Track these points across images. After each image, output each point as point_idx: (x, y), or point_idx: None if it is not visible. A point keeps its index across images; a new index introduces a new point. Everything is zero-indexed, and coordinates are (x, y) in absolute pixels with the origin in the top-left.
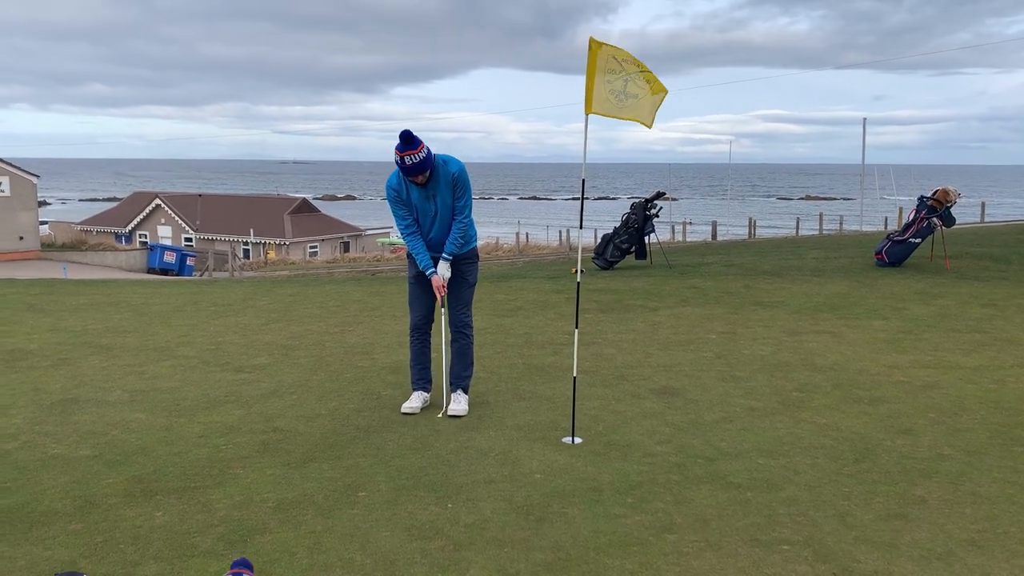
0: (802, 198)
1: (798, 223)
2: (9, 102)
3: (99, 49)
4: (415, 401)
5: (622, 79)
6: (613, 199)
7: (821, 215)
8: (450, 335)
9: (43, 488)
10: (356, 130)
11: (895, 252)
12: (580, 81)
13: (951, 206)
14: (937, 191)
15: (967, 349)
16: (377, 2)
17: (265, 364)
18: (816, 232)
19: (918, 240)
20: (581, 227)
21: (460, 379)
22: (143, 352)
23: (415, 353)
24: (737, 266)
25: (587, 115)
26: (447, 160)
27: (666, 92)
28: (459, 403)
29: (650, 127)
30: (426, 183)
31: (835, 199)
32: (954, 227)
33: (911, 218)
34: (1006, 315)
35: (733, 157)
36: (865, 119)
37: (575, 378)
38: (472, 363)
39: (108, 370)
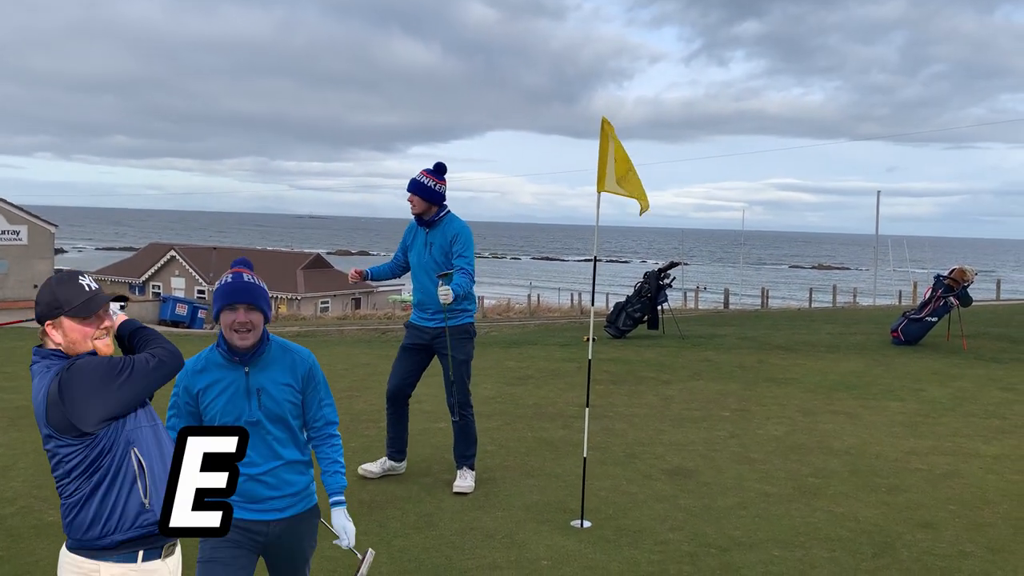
0: (814, 267)
1: (811, 294)
2: (33, 150)
3: (124, 102)
4: (374, 466)
5: (626, 167)
6: (625, 262)
7: (835, 287)
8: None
9: (35, 559)
10: (372, 187)
11: (911, 331)
12: (594, 145)
13: (968, 285)
14: (954, 270)
15: (987, 436)
16: (398, 63)
17: None
18: (829, 304)
19: (934, 319)
20: (593, 303)
21: (464, 458)
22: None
23: (389, 422)
24: (750, 339)
25: (599, 193)
26: (454, 219)
27: (647, 208)
28: (464, 480)
29: (646, 208)
30: (428, 227)
31: (847, 268)
32: (970, 305)
33: (927, 296)
34: None
35: (746, 224)
36: (879, 191)
37: (585, 459)
38: (475, 441)
39: None
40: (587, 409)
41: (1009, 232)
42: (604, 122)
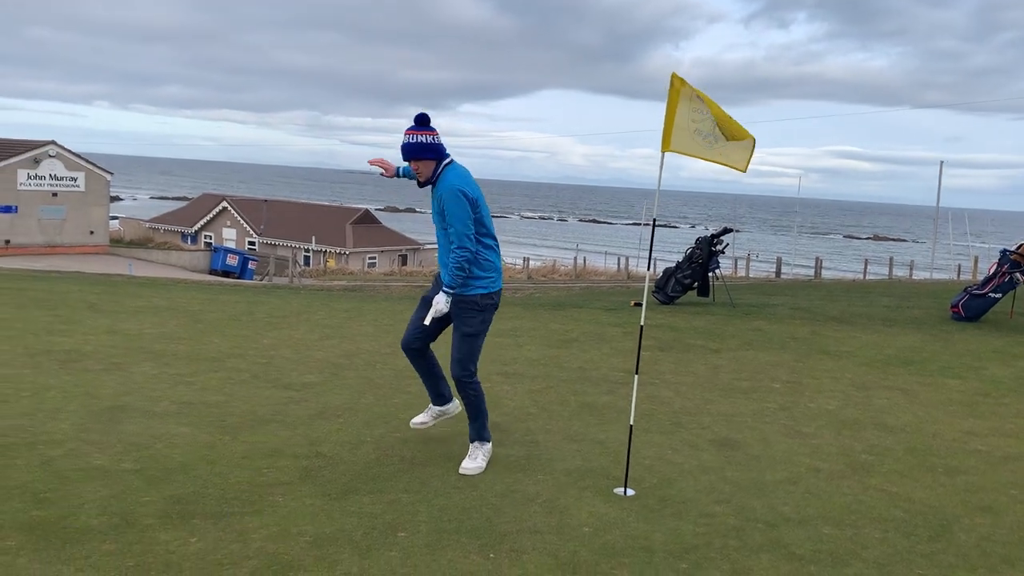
0: (870, 237)
1: (866, 265)
2: (92, 99)
3: (178, 52)
4: (424, 416)
5: (710, 121)
6: (674, 227)
7: (891, 259)
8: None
9: (81, 502)
10: None
11: (973, 306)
12: (647, 107)
13: None
14: (1021, 245)
15: None
16: (450, 18)
17: (314, 383)
18: (885, 276)
19: (998, 295)
20: (650, 267)
21: (471, 431)
22: (195, 362)
23: (415, 369)
24: (803, 309)
25: (663, 152)
26: (448, 174)
27: (753, 139)
28: (470, 459)
29: (744, 171)
30: (429, 185)
31: (904, 240)
32: None
33: (992, 272)
34: None
35: (801, 192)
36: (943, 162)
37: (631, 426)
38: (479, 414)
39: (159, 378)
40: (636, 376)
41: None
42: (674, 78)
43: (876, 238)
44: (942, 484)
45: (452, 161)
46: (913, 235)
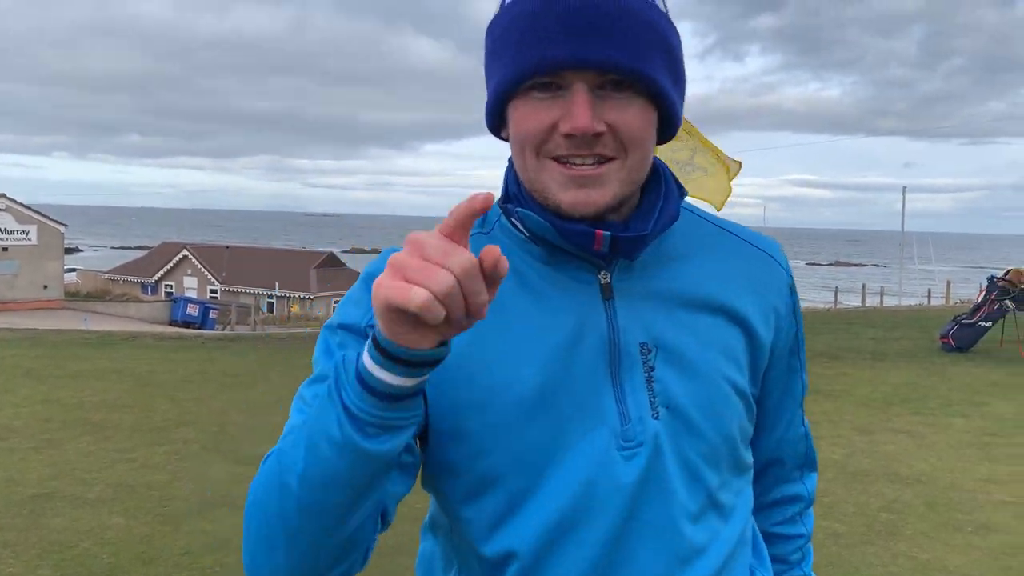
0: (832, 264)
1: (836, 293)
2: (51, 150)
3: (138, 101)
4: None
5: (689, 148)
6: None
7: (864, 286)
8: None
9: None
10: (385, 185)
11: (963, 336)
12: None
13: None
14: (1009, 271)
15: None
16: (412, 60)
17: None
18: (857, 304)
19: (988, 324)
20: None
21: None
22: (138, 433)
23: None
24: None
25: None
26: None
27: (740, 165)
28: None
29: (719, 209)
30: None
31: (865, 265)
32: None
33: (980, 300)
34: None
35: (763, 221)
36: (905, 187)
37: None
38: None
39: (95, 456)
40: None
41: None
42: None
43: (838, 264)
44: (975, 546)
45: None
46: (874, 260)
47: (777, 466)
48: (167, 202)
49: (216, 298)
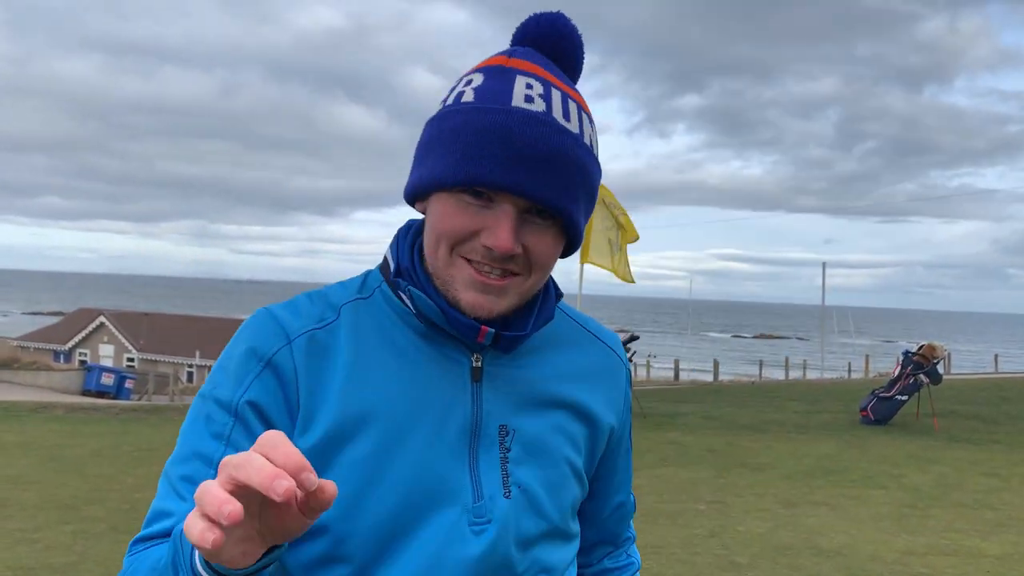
0: (756, 336)
1: (761, 366)
2: None
3: (56, 162)
4: None
5: (613, 224)
6: None
7: (787, 359)
8: None
9: None
10: (315, 252)
11: (881, 410)
12: None
13: (938, 362)
14: (923, 346)
15: (984, 531)
16: (343, 128)
17: None
18: (781, 377)
19: (904, 397)
20: None
21: None
22: (43, 511)
23: None
24: (715, 418)
25: (582, 264)
26: None
27: (637, 238)
28: None
29: (633, 283)
30: None
31: (788, 337)
32: (940, 383)
33: (896, 374)
34: (1012, 487)
35: (689, 293)
36: (825, 263)
37: None
38: None
39: None
40: None
41: (939, 303)
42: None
43: (762, 336)
44: None
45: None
46: (796, 332)
47: (609, 540)
48: (86, 266)
49: (133, 367)
